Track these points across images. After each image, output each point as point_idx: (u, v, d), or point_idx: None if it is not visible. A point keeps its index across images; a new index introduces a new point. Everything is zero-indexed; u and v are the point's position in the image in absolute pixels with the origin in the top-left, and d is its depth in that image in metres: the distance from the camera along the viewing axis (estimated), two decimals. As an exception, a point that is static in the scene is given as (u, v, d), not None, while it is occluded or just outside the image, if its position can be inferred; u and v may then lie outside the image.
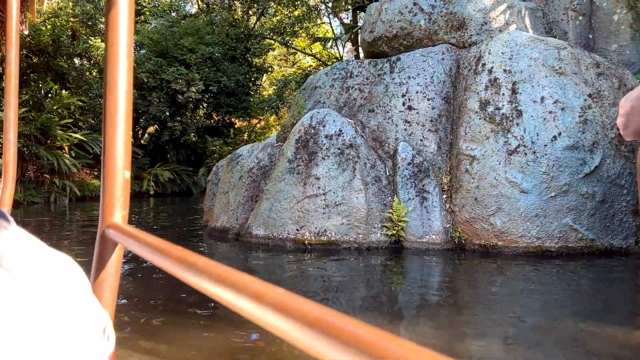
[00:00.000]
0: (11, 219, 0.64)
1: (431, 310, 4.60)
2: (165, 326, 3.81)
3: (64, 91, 18.28)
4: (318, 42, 25.33)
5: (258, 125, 31.66)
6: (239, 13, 24.83)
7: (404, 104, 7.90)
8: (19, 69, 2.47)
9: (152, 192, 21.14)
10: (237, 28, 23.04)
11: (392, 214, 7.25)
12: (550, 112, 6.95)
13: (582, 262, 6.49)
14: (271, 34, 23.77)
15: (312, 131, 7.63)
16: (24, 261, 0.55)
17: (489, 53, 7.44)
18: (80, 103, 17.63)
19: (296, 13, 24.02)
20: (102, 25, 19.22)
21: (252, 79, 23.76)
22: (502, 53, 7.31)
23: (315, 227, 7.22)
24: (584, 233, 6.80)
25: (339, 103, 8.43)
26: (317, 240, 7.18)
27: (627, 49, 8.32)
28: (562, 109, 6.98)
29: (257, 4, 23.40)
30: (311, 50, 27.58)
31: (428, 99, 7.81)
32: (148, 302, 4.55)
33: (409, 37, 8.40)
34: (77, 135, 17.59)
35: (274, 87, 25.74)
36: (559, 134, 6.89)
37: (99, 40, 19.06)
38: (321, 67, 24.05)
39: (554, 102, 7.00)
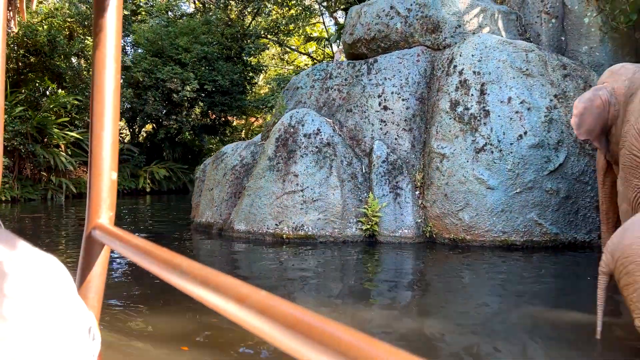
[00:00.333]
0: None
1: (402, 296, 4.94)
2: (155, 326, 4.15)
3: (60, 90, 18.62)
4: (314, 41, 25.60)
5: (255, 123, 31.98)
6: (235, 13, 25.12)
7: (380, 104, 8.23)
8: (4, 67, 2.73)
9: (148, 190, 21.47)
10: (232, 27, 23.34)
11: (367, 209, 7.59)
12: (517, 112, 7.28)
13: (546, 254, 6.82)
14: (266, 34, 24.06)
15: (292, 130, 7.96)
16: (10, 263, 0.56)
17: (460, 55, 7.76)
18: (76, 102, 17.96)
19: (291, 12, 24.30)
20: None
21: (247, 78, 24.06)
22: (472, 55, 7.63)
23: (293, 222, 7.56)
24: (548, 227, 7.13)
25: (319, 103, 8.76)
26: (294, 234, 7.52)
27: (597, 51, 8.63)
28: (528, 109, 7.31)
29: (253, 3, 23.69)
30: (308, 50, 27.88)
31: (403, 100, 8.14)
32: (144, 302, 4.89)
33: (386, 40, 8.72)
34: (74, 134, 17.92)
35: (269, 86, 26.06)
36: (525, 133, 7.22)
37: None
38: (315, 66, 24.25)
39: (521, 103, 7.32)
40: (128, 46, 24.52)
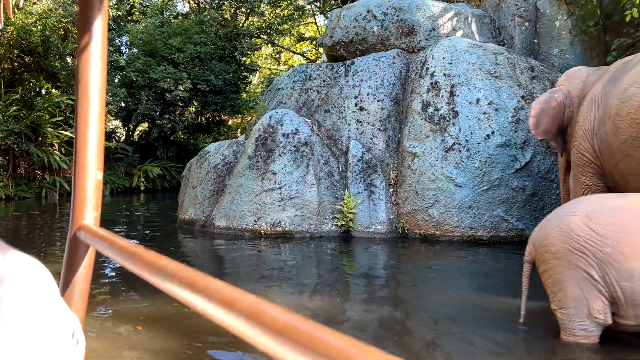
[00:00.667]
0: None
1: (374, 287, 5.24)
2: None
3: (54, 90, 18.90)
4: (305, 41, 25.87)
5: (251, 122, 32.22)
6: (229, 13, 25.38)
7: (356, 104, 8.53)
8: None
9: (142, 188, 21.77)
10: (226, 27, 23.61)
11: (342, 206, 7.90)
12: (485, 113, 7.58)
13: (512, 249, 7.12)
14: (258, 33, 24.33)
15: (271, 130, 8.26)
16: None
17: (432, 58, 8.06)
18: (70, 101, 18.24)
19: (284, 13, 24.56)
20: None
21: (241, 77, 24.34)
22: (443, 58, 7.93)
23: (271, 219, 7.86)
24: (514, 223, 7.44)
25: (299, 104, 9.06)
26: (272, 230, 7.83)
27: (567, 53, 8.93)
28: (496, 110, 7.61)
29: (246, 3, 23.96)
30: (302, 49, 28.14)
31: (378, 101, 8.44)
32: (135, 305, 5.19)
33: (364, 42, 9.02)
34: (67, 133, 18.21)
35: (262, 85, 26.34)
36: (492, 132, 7.52)
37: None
38: (308, 66, 24.51)
39: (489, 104, 7.62)
40: (123, 46, 24.81)
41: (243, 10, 25.17)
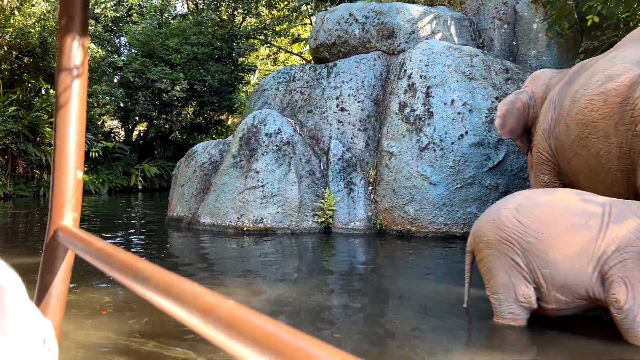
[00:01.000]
0: None
1: (350, 278, 5.51)
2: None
3: (52, 90, 19.24)
4: (301, 42, 26.15)
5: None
6: (226, 14, 25.69)
7: (337, 105, 8.81)
8: None
9: (140, 187, 22.10)
10: (223, 28, 23.92)
11: (323, 203, 8.17)
12: (459, 113, 7.85)
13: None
14: (254, 34, 24.63)
15: (254, 130, 8.55)
16: None
17: (410, 60, 8.33)
18: (68, 102, 18.58)
19: (279, 14, 24.85)
20: (90, 27, 20.16)
21: (238, 77, 24.64)
22: (420, 60, 8.20)
23: (254, 216, 8.15)
24: (487, 220, 7.69)
25: (283, 104, 9.35)
26: (254, 227, 8.11)
27: (544, 55, 9.18)
28: (470, 110, 7.87)
29: (243, 4, 24.26)
30: (302, 49, 28.42)
31: (358, 101, 8.72)
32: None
33: (346, 45, 9.29)
34: (65, 133, 18.55)
35: (257, 86, 26.61)
36: (466, 132, 7.79)
37: (88, 41, 20.00)
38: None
39: (463, 104, 7.89)
40: (123, 47, 25.16)
41: (240, 11, 25.48)
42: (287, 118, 8.90)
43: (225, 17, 25.38)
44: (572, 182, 5.30)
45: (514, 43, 9.59)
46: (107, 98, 20.38)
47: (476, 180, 7.72)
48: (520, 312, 3.42)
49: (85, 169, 20.71)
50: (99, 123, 21.49)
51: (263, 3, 24.19)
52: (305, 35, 27.39)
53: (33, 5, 18.60)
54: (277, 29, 24.36)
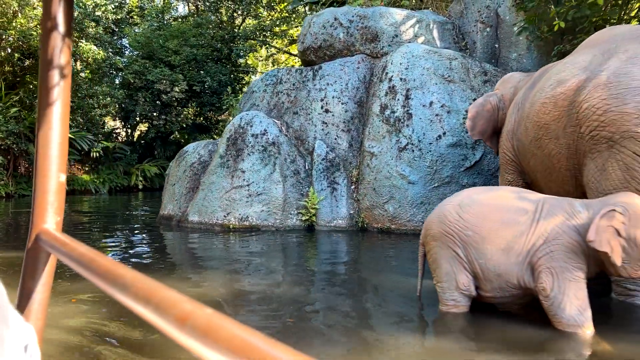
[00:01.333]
0: None
1: (336, 269, 5.78)
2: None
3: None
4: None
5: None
6: (226, 15, 26.03)
7: (322, 107, 9.10)
8: None
9: (140, 187, 22.48)
10: (222, 30, 24.28)
11: (307, 202, 8.46)
12: (437, 115, 8.11)
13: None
14: (253, 35, 24.95)
15: (241, 130, 8.85)
16: None
17: (391, 63, 8.61)
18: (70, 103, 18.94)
19: (278, 15, 25.17)
20: (91, 30, 20.57)
21: (237, 78, 24.99)
22: (400, 64, 8.48)
23: (239, 214, 8.45)
24: (464, 218, 7.96)
25: (270, 106, 9.65)
26: (240, 224, 8.41)
27: (524, 58, 9.43)
28: (448, 112, 8.14)
29: (242, 6, 24.60)
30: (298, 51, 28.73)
31: (342, 103, 9.00)
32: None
33: (331, 48, 9.58)
34: (66, 133, 18.91)
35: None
36: (444, 133, 8.05)
37: (89, 43, 20.40)
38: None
39: (441, 106, 8.16)
40: (125, 49, 25.54)
41: (239, 12, 25.80)
42: (273, 119, 9.19)
43: (225, 19, 25.72)
44: (533, 181, 5.56)
45: (496, 46, 9.84)
46: (108, 99, 20.76)
47: (453, 179, 7.99)
48: (462, 299, 3.70)
49: (86, 168, 21.12)
50: (100, 124, 21.86)
51: (263, 4, 24.51)
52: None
53: (35, 8, 18.98)
54: (276, 30, 24.68)
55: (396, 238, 7.75)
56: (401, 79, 8.38)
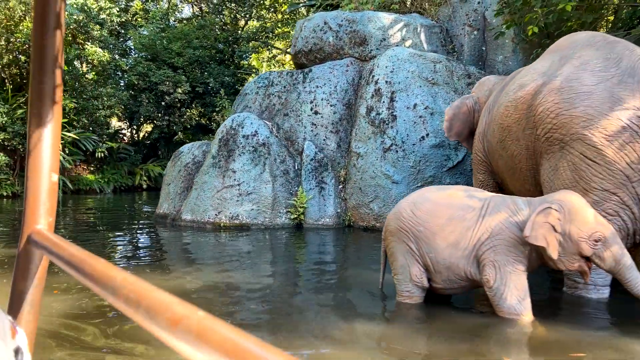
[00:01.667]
0: None
1: (321, 266, 6.05)
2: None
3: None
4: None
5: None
6: (229, 17, 26.40)
7: (311, 109, 9.38)
8: None
9: (144, 187, 22.88)
10: (226, 32, 24.66)
11: (296, 201, 8.74)
12: (421, 117, 8.36)
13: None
14: (256, 37, 25.29)
15: (232, 132, 9.15)
16: None
17: (378, 67, 8.87)
18: (72, 105, 19.39)
19: (280, 17, 25.49)
20: (96, 32, 21.01)
21: (240, 80, 25.35)
22: (386, 67, 8.73)
23: (230, 212, 8.74)
24: (446, 217, 8.20)
25: (262, 108, 9.94)
26: (231, 223, 8.71)
27: (510, 60, 9.65)
28: (432, 114, 8.39)
29: (245, 8, 24.95)
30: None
31: (331, 105, 9.28)
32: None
33: (321, 52, 9.86)
34: (71, 134, 19.36)
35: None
36: (427, 134, 8.30)
37: (94, 45, 20.84)
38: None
39: (425, 108, 8.40)
40: (132, 51, 25.98)
41: (243, 14, 26.16)
42: (264, 121, 9.48)
43: (228, 21, 26.09)
44: (502, 180, 5.81)
45: (483, 49, 10.06)
46: (113, 100, 21.18)
47: (436, 179, 8.23)
48: (415, 290, 3.97)
49: (91, 168, 21.56)
50: (105, 124, 22.29)
51: (267, 5, 24.85)
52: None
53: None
54: (278, 31, 25.00)
55: (380, 236, 7.98)
56: (387, 81, 8.64)
